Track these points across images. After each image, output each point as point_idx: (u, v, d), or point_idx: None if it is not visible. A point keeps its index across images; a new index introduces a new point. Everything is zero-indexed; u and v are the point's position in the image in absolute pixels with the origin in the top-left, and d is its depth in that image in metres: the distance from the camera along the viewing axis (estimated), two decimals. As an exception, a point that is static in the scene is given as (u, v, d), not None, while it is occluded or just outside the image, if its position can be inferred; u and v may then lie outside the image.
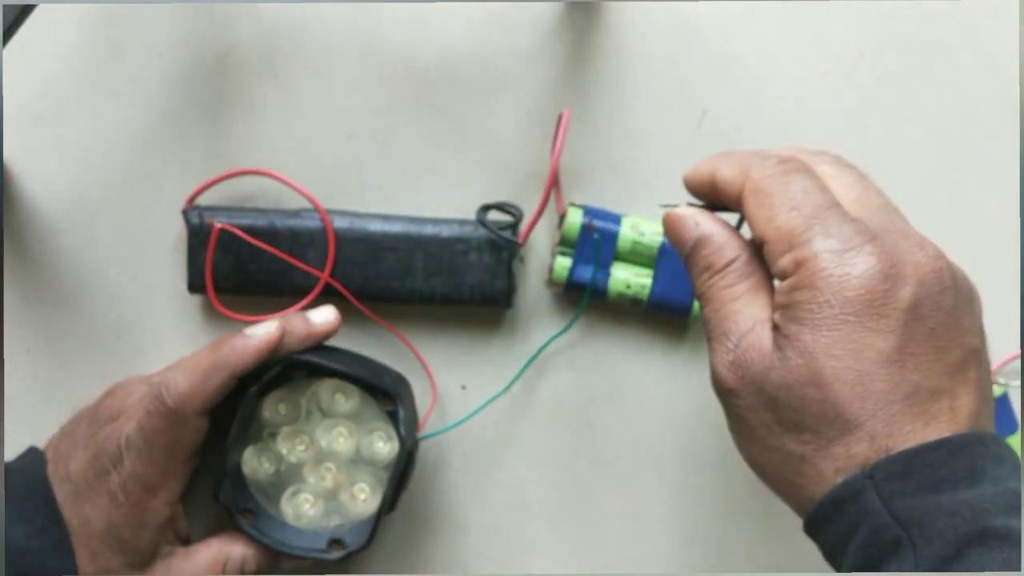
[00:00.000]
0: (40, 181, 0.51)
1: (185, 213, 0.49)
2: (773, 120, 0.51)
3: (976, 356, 0.35)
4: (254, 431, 0.48)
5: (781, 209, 0.35)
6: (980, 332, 0.36)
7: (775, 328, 0.35)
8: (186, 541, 0.48)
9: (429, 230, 0.49)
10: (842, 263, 0.34)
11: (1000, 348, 0.52)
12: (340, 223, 0.49)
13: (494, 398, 0.50)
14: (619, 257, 0.49)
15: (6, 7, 0.41)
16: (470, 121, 0.51)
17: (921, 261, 0.34)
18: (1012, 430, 0.51)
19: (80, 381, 0.50)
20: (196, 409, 0.44)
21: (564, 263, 0.49)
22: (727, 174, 0.38)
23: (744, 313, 0.36)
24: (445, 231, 0.49)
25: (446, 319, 0.51)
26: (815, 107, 0.51)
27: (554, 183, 0.48)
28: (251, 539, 0.47)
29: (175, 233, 0.51)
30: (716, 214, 0.39)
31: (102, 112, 0.51)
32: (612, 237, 0.49)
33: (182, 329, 0.51)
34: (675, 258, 0.49)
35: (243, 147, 0.51)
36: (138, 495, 0.44)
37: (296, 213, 0.49)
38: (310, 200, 0.49)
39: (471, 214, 0.50)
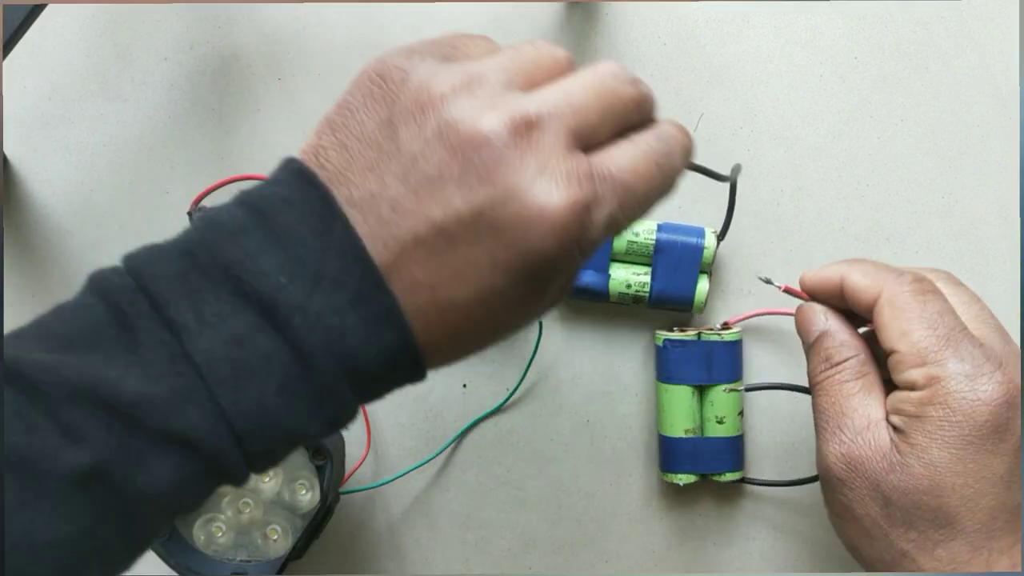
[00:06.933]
0: (47, 183, 0.51)
1: (191, 215, 0.49)
2: (769, 123, 0.52)
3: None
4: None
5: (918, 326, 0.39)
6: None
7: (897, 431, 0.38)
8: None
9: (430, 231, 0.50)
10: (974, 388, 0.37)
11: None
12: (342, 224, 0.49)
13: (422, 463, 0.51)
14: (616, 258, 0.50)
15: (10, 8, 0.42)
16: (471, 123, 0.52)
17: None
18: (735, 377, 0.49)
19: (87, 379, 0.51)
20: None
21: (563, 263, 0.49)
22: (860, 282, 0.41)
23: (860, 411, 0.40)
24: (446, 232, 0.50)
25: (447, 318, 0.52)
26: (811, 110, 0.52)
27: (553, 185, 0.48)
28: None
29: (180, 234, 0.51)
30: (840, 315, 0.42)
31: (108, 115, 0.51)
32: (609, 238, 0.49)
33: (187, 328, 0.51)
34: (671, 254, 0.49)
35: (247, 149, 0.51)
36: None
37: (299, 214, 0.50)
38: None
39: (471, 215, 0.50)
